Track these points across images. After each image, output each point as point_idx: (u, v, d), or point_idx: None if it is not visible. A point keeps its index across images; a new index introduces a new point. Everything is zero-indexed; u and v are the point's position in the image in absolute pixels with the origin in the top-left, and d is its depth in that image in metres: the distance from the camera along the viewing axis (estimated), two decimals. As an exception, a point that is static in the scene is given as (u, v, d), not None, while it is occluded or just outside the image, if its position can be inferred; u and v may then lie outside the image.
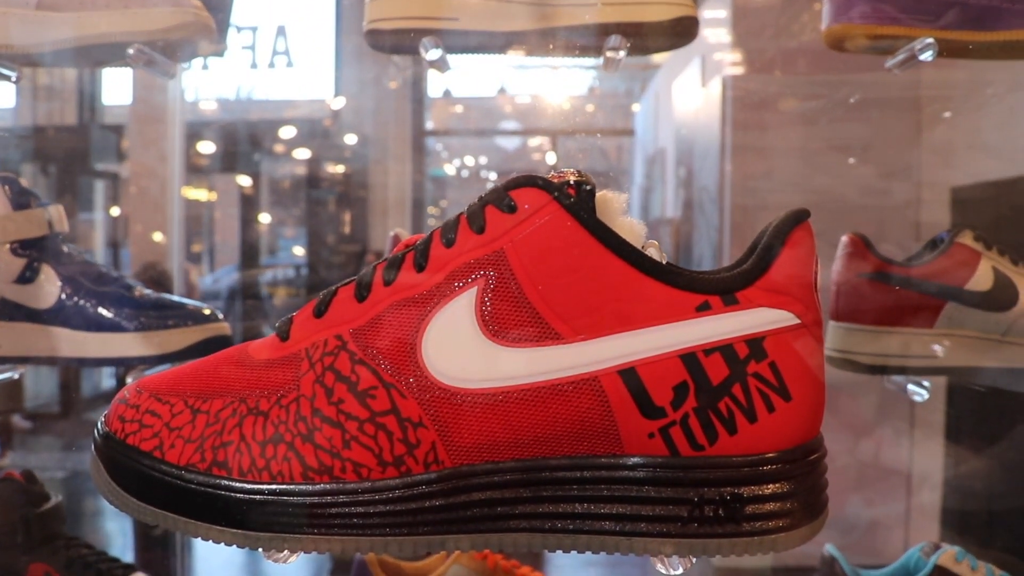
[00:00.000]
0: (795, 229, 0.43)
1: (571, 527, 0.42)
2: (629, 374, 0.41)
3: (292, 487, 0.41)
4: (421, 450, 0.41)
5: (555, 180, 0.43)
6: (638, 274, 0.41)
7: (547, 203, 0.42)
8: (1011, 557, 0.96)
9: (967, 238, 0.88)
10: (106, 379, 3.05)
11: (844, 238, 0.90)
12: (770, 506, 0.41)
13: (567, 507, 0.42)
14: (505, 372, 0.41)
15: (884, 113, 1.72)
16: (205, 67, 2.48)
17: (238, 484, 0.42)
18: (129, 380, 0.90)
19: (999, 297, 0.86)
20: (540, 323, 0.41)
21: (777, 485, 0.41)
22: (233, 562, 2.03)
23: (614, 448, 0.41)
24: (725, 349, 0.41)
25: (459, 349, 0.41)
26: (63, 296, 0.84)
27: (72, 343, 0.84)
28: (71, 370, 2.73)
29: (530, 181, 0.42)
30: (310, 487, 0.41)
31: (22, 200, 0.84)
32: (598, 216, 0.42)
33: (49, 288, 0.84)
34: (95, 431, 0.47)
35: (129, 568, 0.89)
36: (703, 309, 0.41)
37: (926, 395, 0.88)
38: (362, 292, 0.44)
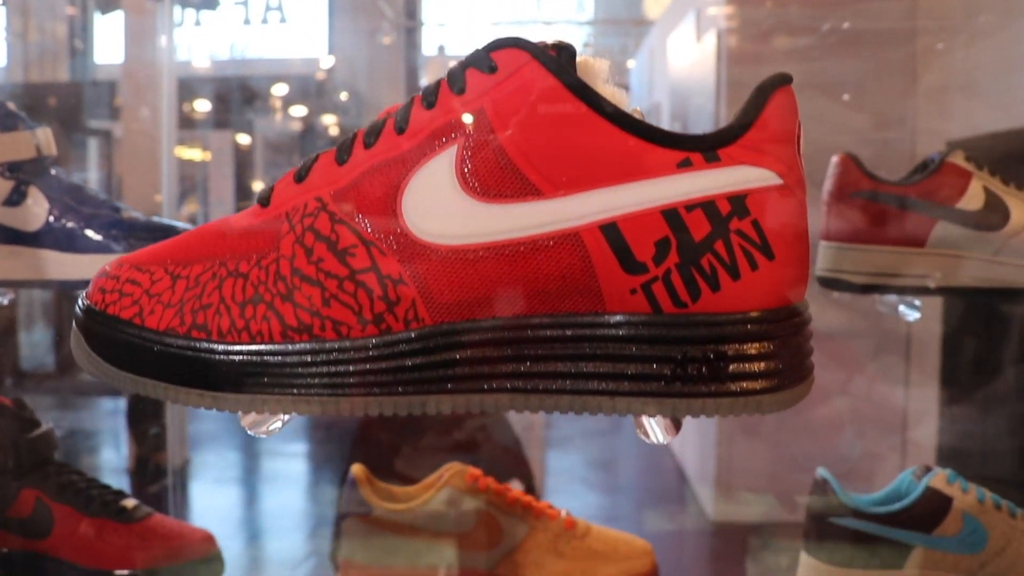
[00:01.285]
0: (777, 90, 0.42)
1: (554, 387, 0.41)
2: (610, 229, 0.40)
3: (271, 347, 0.41)
4: (401, 307, 0.41)
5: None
6: (619, 131, 0.41)
7: (527, 62, 0.41)
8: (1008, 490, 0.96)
9: (958, 158, 0.87)
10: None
11: (835, 158, 0.90)
12: (755, 366, 0.41)
13: (549, 366, 0.41)
14: (485, 228, 0.41)
15: (879, 65, 1.72)
16: (198, 23, 2.46)
17: (217, 346, 0.42)
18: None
19: (990, 216, 0.86)
20: (520, 179, 0.41)
21: (762, 344, 0.41)
22: (229, 519, 2.04)
23: (596, 306, 0.41)
24: (707, 205, 0.41)
25: (439, 206, 0.41)
26: (51, 219, 0.83)
27: (60, 265, 0.84)
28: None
29: (511, 42, 0.42)
30: (289, 347, 0.41)
31: (8, 123, 0.83)
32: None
33: (37, 211, 0.83)
34: (76, 307, 0.47)
35: (120, 494, 0.89)
36: (684, 166, 0.41)
37: (918, 315, 0.88)
38: (343, 156, 0.43)
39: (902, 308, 0.89)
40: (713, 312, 0.41)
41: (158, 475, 2.04)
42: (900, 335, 1.47)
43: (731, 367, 0.41)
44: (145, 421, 2.34)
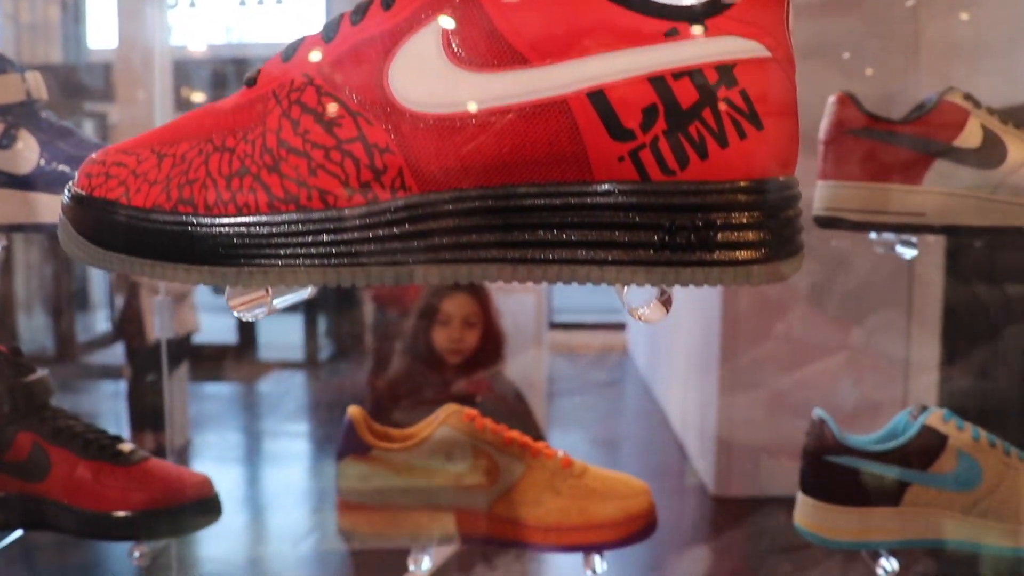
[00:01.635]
0: (766, -36, 0.42)
1: (541, 256, 0.41)
2: (597, 96, 0.40)
3: (258, 218, 0.41)
4: (388, 176, 0.41)
5: None
6: (605, 1, 0.40)
7: None
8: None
9: (956, 96, 0.87)
10: (101, 323, 3.06)
11: (832, 97, 0.89)
12: (744, 235, 0.41)
13: (537, 235, 0.41)
14: (472, 97, 0.40)
15: (883, 42, 1.71)
16: (192, 4, 2.46)
17: (204, 219, 0.41)
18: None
19: (988, 154, 0.85)
20: (507, 48, 0.40)
21: (750, 214, 0.41)
22: (232, 496, 2.04)
23: (584, 175, 0.41)
24: (695, 74, 0.40)
25: (426, 76, 0.41)
26: (42, 162, 0.83)
27: (52, 209, 0.83)
28: (65, 314, 2.73)
29: None
30: (276, 217, 0.41)
31: (-3, 66, 0.83)
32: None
33: (28, 154, 0.83)
34: (63, 198, 0.47)
35: (117, 439, 0.89)
36: (672, 35, 0.40)
37: (915, 252, 0.88)
38: (329, 34, 0.43)
39: (899, 248, 0.89)
40: (701, 180, 0.40)
41: (158, 455, 2.04)
42: (902, 288, 1.46)
43: (720, 236, 0.40)
44: (145, 402, 2.34)
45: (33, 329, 2.68)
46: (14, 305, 2.36)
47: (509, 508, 0.84)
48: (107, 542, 0.86)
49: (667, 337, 2.88)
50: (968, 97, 0.87)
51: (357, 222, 0.41)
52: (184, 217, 0.42)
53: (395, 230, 0.41)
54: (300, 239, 0.41)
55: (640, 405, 3.04)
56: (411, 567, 0.84)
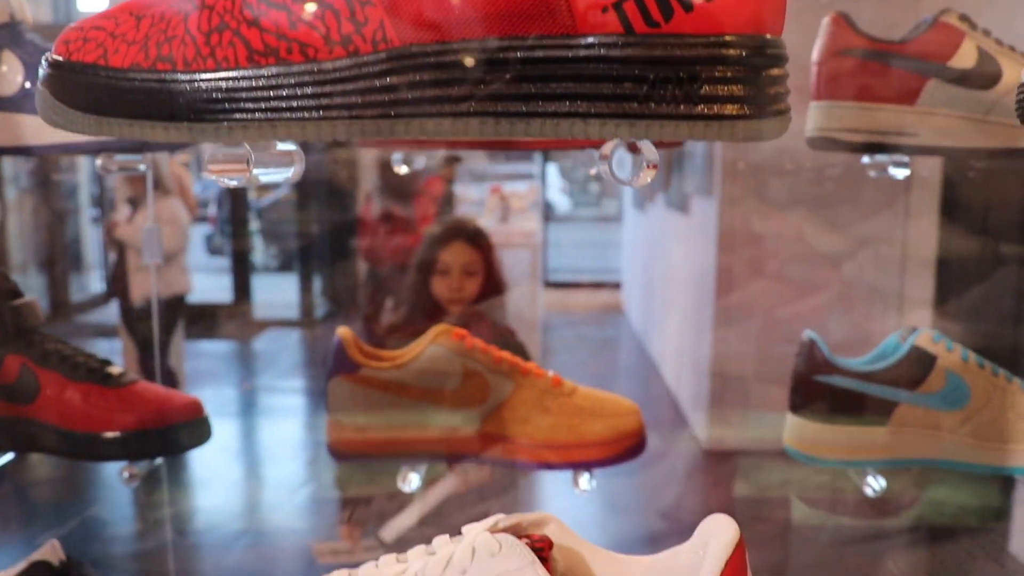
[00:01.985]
0: None
1: (524, 110, 0.40)
2: (580, -55, 0.39)
3: (238, 72, 0.40)
4: (369, 28, 0.40)
5: None
6: None
7: None
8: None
9: (952, 17, 0.86)
10: (96, 283, 3.05)
11: (826, 18, 0.88)
12: (728, 89, 0.40)
13: (520, 89, 0.40)
14: (454, -54, 0.40)
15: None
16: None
17: (183, 76, 0.41)
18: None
19: (982, 75, 0.85)
20: None
21: (735, 69, 0.40)
22: (228, 449, 2.04)
23: (567, 28, 0.40)
24: (681, -77, 0.40)
25: (407, -74, 0.40)
26: (27, 84, 0.82)
27: (37, 130, 0.83)
28: (60, 273, 2.72)
29: None
30: (256, 71, 0.40)
31: (-22, -13, 0.82)
32: None
33: (12, 76, 0.82)
34: (40, 68, 0.46)
35: (106, 362, 0.88)
36: None
37: (907, 172, 0.87)
38: None
39: (891, 169, 0.88)
40: (686, 33, 0.40)
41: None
42: (897, 224, 1.46)
43: (704, 89, 0.40)
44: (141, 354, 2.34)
45: (27, 289, 2.68)
46: (9, 261, 2.35)
47: (498, 426, 0.84)
48: (97, 462, 0.86)
49: (662, 293, 2.88)
50: (964, 18, 0.87)
51: (338, 75, 0.40)
52: (163, 74, 0.41)
53: (376, 83, 0.40)
54: (280, 92, 0.40)
55: (634, 362, 3.04)
56: (400, 485, 0.84)
